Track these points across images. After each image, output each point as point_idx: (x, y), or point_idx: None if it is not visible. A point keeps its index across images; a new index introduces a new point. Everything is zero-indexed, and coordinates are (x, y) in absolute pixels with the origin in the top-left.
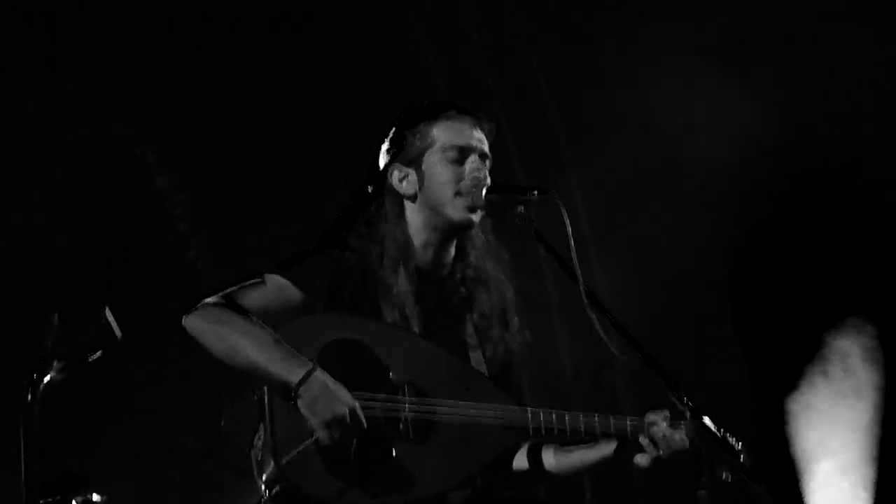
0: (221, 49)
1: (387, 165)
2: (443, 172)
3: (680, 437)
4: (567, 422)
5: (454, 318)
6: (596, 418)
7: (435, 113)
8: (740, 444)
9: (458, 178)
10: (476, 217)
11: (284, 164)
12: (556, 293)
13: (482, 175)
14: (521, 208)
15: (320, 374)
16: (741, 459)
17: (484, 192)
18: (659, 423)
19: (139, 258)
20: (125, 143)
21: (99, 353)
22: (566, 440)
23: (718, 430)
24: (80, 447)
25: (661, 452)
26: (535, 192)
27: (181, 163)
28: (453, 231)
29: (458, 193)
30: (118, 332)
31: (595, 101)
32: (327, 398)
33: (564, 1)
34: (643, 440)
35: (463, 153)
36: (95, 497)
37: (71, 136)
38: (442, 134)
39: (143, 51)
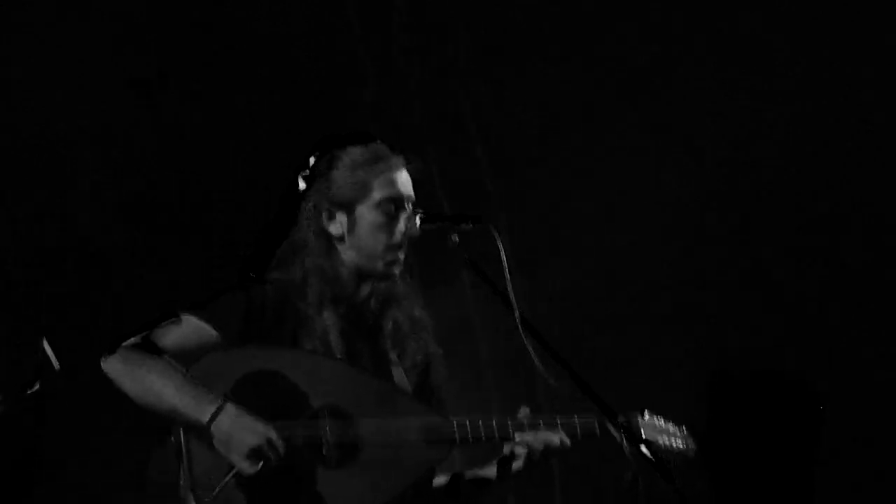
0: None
1: (314, 201)
2: (376, 228)
3: (549, 435)
4: (492, 426)
5: (372, 338)
6: (508, 421)
7: (372, 160)
8: (689, 440)
9: (389, 235)
10: (398, 270)
11: (207, 191)
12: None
13: (413, 231)
14: (454, 237)
15: (231, 409)
16: (677, 487)
17: (417, 224)
18: (524, 424)
19: (73, 291)
20: (54, 167)
21: (37, 386)
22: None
23: (662, 443)
24: (18, 481)
25: (537, 454)
26: (470, 222)
27: (112, 193)
28: (374, 279)
29: (387, 249)
30: (56, 365)
31: (525, 135)
32: (240, 432)
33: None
34: (527, 439)
35: (398, 206)
36: None
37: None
38: (379, 187)
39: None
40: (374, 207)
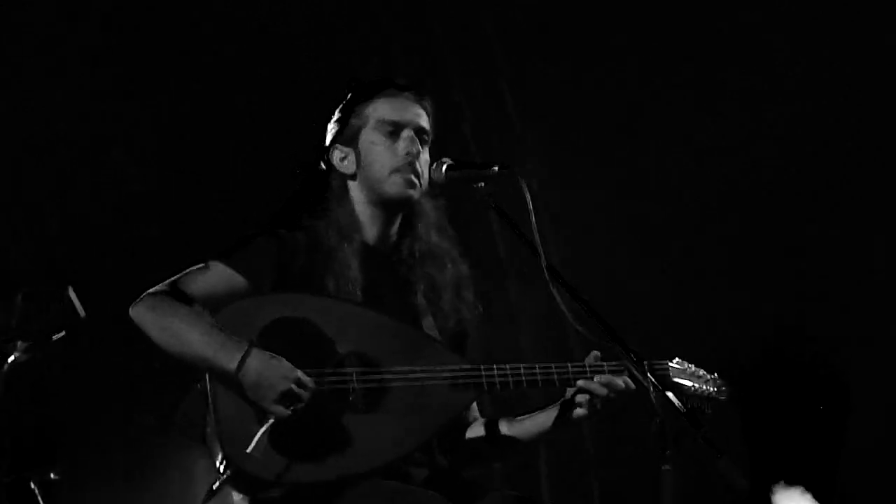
0: (178, 26)
1: (329, 145)
2: (377, 150)
3: (622, 380)
4: (520, 373)
5: (403, 290)
6: (537, 367)
7: (373, 91)
8: (721, 385)
9: (392, 155)
10: (414, 192)
11: (244, 141)
12: (513, 270)
13: (414, 150)
14: (481, 184)
15: (257, 353)
16: (706, 434)
17: (421, 165)
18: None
19: (101, 238)
20: (86, 120)
21: (62, 333)
22: (519, 393)
23: (692, 387)
24: (43, 426)
25: (601, 397)
26: (496, 168)
27: (143, 141)
28: (393, 207)
29: (393, 170)
30: (81, 312)
31: (553, 81)
32: (269, 377)
33: None
34: (585, 384)
35: (397, 128)
36: (52, 476)
37: (34, 112)
38: (376, 111)
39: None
40: (372, 131)
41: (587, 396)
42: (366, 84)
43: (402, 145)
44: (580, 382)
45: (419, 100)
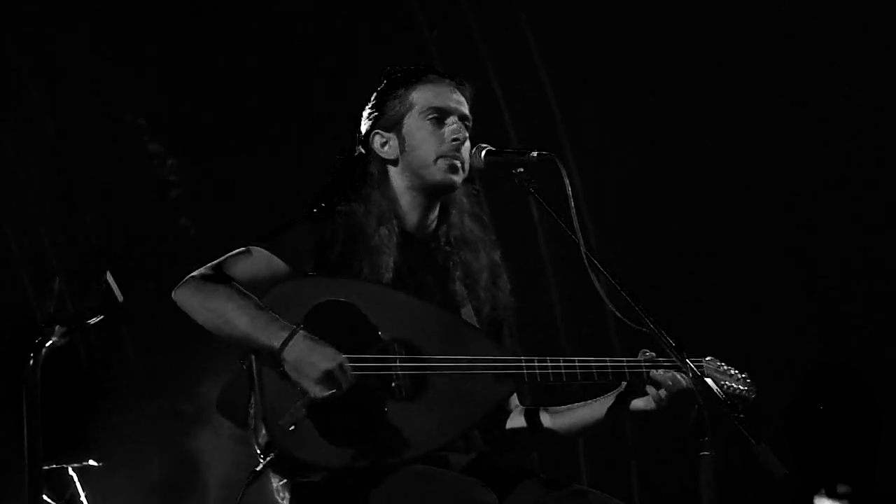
0: (210, 13)
1: (368, 131)
2: (423, 135)
3: (682, 376)
4: (561, 366)
5: (442, 277)
6: (591, 361)
7: (414, 77)
8: (751, 385)
9: (439, 141)
10: (458, 178)
11: (276, 129)
12: (550, 258)
13: (462, 136)
14: (520, 170)
15: (303, 335)
16: (743, 419)
17: (465, 152)
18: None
19: (137, 224)
20: (118, 108)
21: (100, 318)
22: (561, 386)
23: (724, 384)
24: (80, 411)
25: (660, 393)
26: (534, 154)
27: (172, 128)
28: (436, 193)
29: (439, 156)
30: (119, 296)
31: (590, 67)
32: (312, 357)
33: None
34: (656, 375)
35: (442, 115)
36: (92, 462)
37: (65, 102)
38: (421, 97)
39: (132, 14)
40: (417, 117)
41: (655, 389)
42: (406, 71)
43: (448, 131)
44: (653, 373)
45: (460, 87)
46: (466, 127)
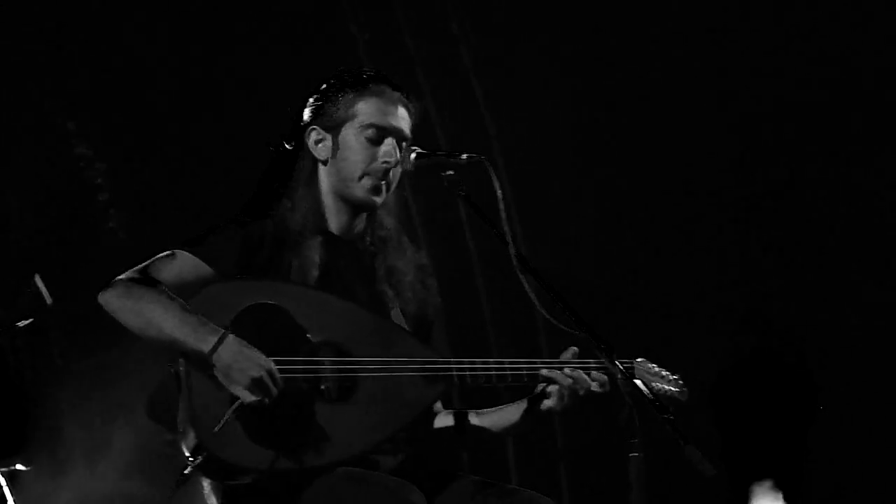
0: (143, 17)
1: (307, 124)
2: (356, 149)
3: (595, 375)
4: (491, 367)
5: (368, 278)
6: (521, 363)
7: (364, 84)
8: (682, 387)
9: (370, 160)
10: (379, 199)
11: (205, 133)
12: (479, 259)
13: (393, 160)
14: (450, 172)
15: (232, 340)
16: (672, 420)
17: (393, 175)
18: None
19: (66, 228)
20: (47, 112)
21: (29, 321)
22: (489, 387)
23: (653, 385)
24: (7, 415)
25: (567, 388)
26: (464, 157)
27: (101, 131)
28: (356, 207)
29: (365, 174)
30: (48, 300)
31: (518, 69)
32: (241, 363)
33: None
34: (550, 374)
35: (381, 134)
36: (20, 467)
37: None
38: (366, 109)
39: (62, 17)
40: (357, 130)
41: (556, 387)
42: (358, 75)
43: (382, 152)
44: (544, 371)
45: (407, 103)
46: (402, 148)
